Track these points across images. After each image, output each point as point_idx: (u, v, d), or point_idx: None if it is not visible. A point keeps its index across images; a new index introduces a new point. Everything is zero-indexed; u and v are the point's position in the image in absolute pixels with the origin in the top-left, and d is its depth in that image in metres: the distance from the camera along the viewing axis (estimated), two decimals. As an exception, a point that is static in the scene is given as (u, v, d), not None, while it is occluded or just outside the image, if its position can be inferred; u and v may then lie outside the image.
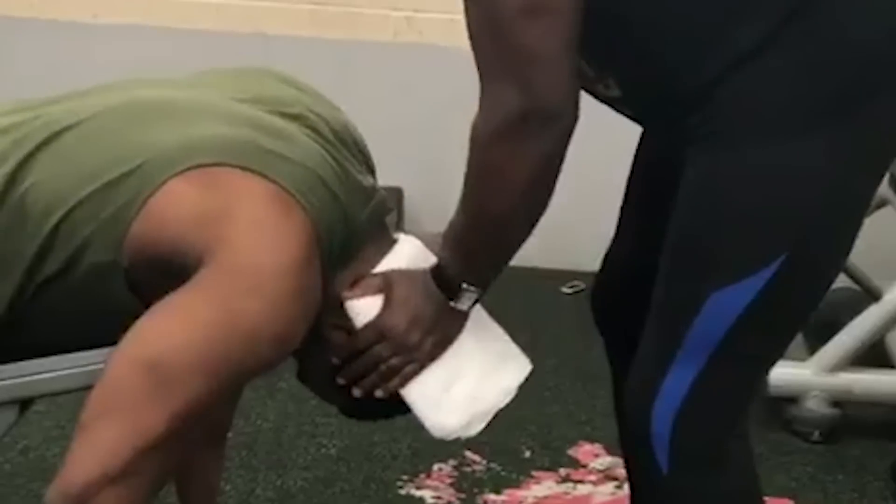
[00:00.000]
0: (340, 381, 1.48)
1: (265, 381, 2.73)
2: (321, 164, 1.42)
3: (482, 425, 1.51)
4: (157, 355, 1.27)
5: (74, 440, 1.29)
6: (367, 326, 1.46)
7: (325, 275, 1.40)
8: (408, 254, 1.51)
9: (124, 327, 1.31)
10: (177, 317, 1.30)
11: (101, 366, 1.42)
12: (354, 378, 1.48)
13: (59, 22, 3.56)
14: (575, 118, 1.32)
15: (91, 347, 1.45)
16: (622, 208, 1.71)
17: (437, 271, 1.45)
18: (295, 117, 1.49)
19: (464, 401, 1.49)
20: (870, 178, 1.39)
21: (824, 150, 1.31)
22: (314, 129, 1.49)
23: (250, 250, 1.31)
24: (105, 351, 1.40)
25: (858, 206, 1.39)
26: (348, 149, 1.52)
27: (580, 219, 3.22)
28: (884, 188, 2.77)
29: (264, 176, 1.35)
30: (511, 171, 1.33)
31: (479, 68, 1.32)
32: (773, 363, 1.47)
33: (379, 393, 1.47)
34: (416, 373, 1.47)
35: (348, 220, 1.43)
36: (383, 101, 3.44)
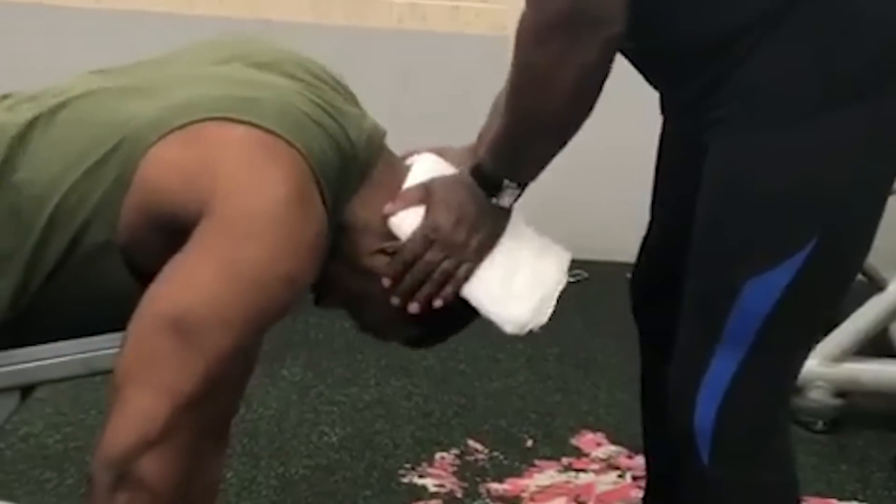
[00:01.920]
0: (395, 300, 1.46)
1: (267, 370, 2.73)
2: (300, 100, 1.41)
3: (549, 312, 1.50)
4: (175, 314, 1.27)
5: (109, 409, 1.29)
6: (414, 235, 1.44)
7: (328, 204, 1.38)
8: (431, 164, 1.51)
9: (129, 312, 1.30)
10: (185, 276, 1.30)
11: (103, 352, 1.41)
12: (410, 292, 1.45)
13: (63, 8, 3.55)
14: (622, 28, 1.30)
15: (93, 335, 1.44)
16: (653, 198, 1.70)
17: (476, 170, 1.44)
18: (268, 65, 1.49)
19: (526, 289, 1.48)
20: (889, 159, 1.38)
21: (846, 132, 1.30)
22: (290, 74, 1.48)
23: (239, 198, 1.30)
24: (107, 338, 1.39)
25: (883, 185, 1.38)
26: (328, 85, 1.51)
27: (584, 208, 3.21)
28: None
29: (241, 121, 1.35)
30: (553, 76, 1.32)
31: None
32: (807, 351, 1.46)
33: (437, 303, 1.45)
34: (469, 273, 1.45)
35: (341, 147, 1.42)
36: (386, 88, 3.42)
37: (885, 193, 1.39)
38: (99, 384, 2.05)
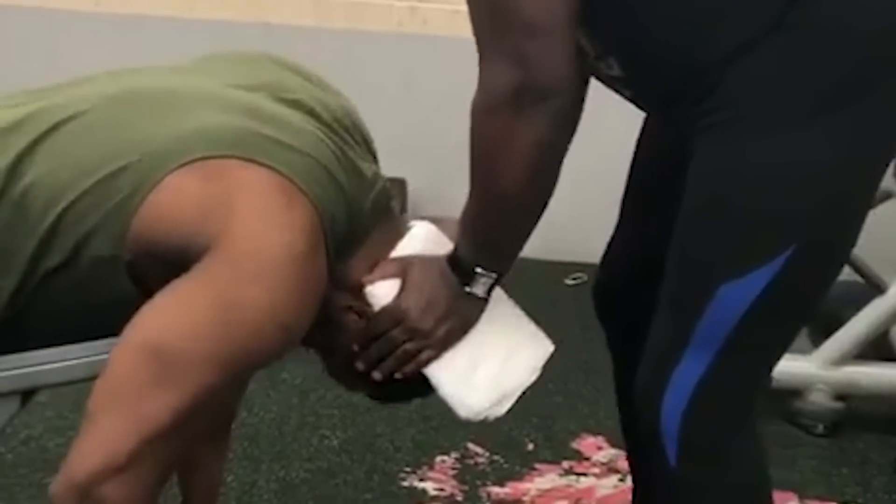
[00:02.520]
0: (360, 366, 1.48)
1: (268, 373, 2.73)
2: (322, 150, 1.42)
3: (510, 404, 1.51)
4: (161, 344, 1.26)
5: (80, 430, 1.28)
6: (383, 311, 1.46)
7: (330, 261, 1.39)
8: (423, 238, 1.51)
9: (128, 319, 1.30)
10: (178, 306, 1.29)
11: (104, 356, 1.41)
12: (372, 362, 1.48)
13: (62, 11, 3.56)
14: (575, 99, 1.29)
15: (94, 339, 1.44)
16: (624, 199, 1.70)
17: (452, 256, 1.45)
18: (295, 103, 1.49)
19: (490, 380, 1.49)
20: (873, 170, 1.38)
21: (827, 141, 1.30)
22: (314, 115, 1.48)
23: (251, 240, 1.30)
24: (108, 342, 1.39)
25: (863, 196, 1.38)
26: (350, 134, 1.51)
27: (583, 210, 3.21)
28: (888, 181, 2.75)
29: (265, 165, 1.34)
30: (507, 153, 1.31)
31: (476, 42, 1.30)
32: (779, 356, 1.46)
33: (398, 375, 1.47)
34: (431, 359, 1.47)
35: (351, 205, 1.43)
36: (387, 91, 3.43)
37: (867, 201, 1.39)
38: (99, 388, 2.05)
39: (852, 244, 1.42)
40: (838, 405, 2.67)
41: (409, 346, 1.46)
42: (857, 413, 2.71)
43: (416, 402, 2.72)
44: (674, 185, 1.40)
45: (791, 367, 2.59)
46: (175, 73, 1.54)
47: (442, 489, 2.37)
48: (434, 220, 1.54)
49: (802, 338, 2.81)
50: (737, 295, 1.35)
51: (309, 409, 2.68)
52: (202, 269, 1.29)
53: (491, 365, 1.49)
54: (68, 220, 1.35)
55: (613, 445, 2.55)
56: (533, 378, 1.53)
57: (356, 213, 1.44)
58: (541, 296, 3.51)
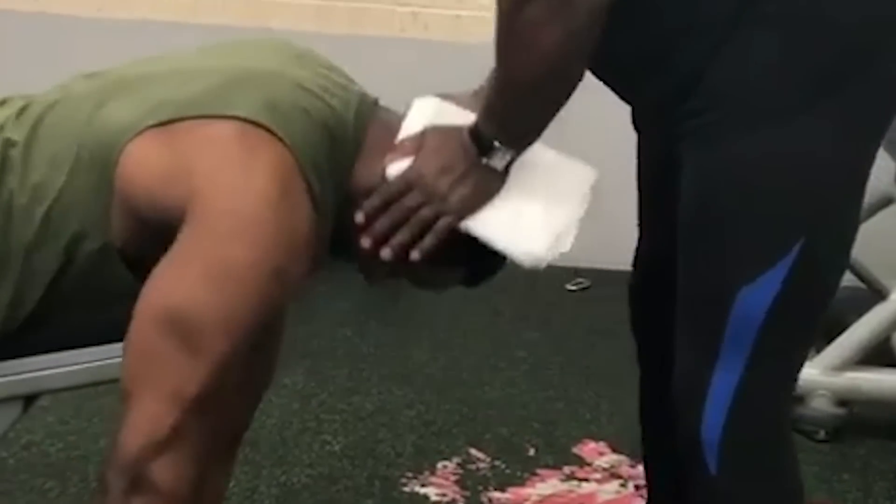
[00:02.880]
0: (366, 242, 1.40)
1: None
2: (282, 84, 1.40)
3: (570, 240, 1.45)
4: (172, 317, 1.27)
5: (122, 416, 1.29)
6: (397, 177, 1.39)
7: (323, 189, 1.37)
8: (431, 108, 1.46)
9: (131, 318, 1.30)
10: (174, 279, 1.29)
11: (105, 362, 1.42)
12: (381, 234, 1.40)
13: (64, 16, 3.56)
14: None
15: (103, 342, 1.44)
16: (639, 207, 1.70)
17: (472, 128, 1.39)
18: (254, 40, 1.51)
19: (541, 219, 1.42)
20: (863, 154, 1.38)
21: (816, 131, 1.30)
22: (273, 48, 1.49)
23: (221, 196, 1.30)
24: (110, 347, 1.39)
25: (856, 182, 1.38)
26: (318, 62, 1.50)
27: (585, 216, 3.21)
28: (889, 186, 2.76)
29: (222, 117, 1.34)
30: (536, 44, 1.27)
31: None
32: (805, 356, 1.45)
33: (415, 255, 1.39)
34: (449, 226, 1.39)
35: (329, 127, 1.40)
36: (388, 97, 3.42)
37: (861, 187, 1.39)
38: (101, 393, 2.05)
39: (853, 235, 1.42)
40: (840, 411, 2.67)
41: (424, 211, 1.39)
42: (859, 419, 2.70)
43: (418, 407, 2.74)
44: (671, 189, 1.40)
45: (793, 372, 2.58)
46: (142, 62, 1.54)
47: (443, 494, 2.37)
48: (446, 96, 1.48)
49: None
50: (756, 298, 1.34)
51: (310, 414, 2.68)
52: (184, 240, 1.29)
53: (536, 205, 1.43)
54: (54, 220, 1.36)
55: (615, 451, 2.55)
56: (584, 207, 1.47)
57: (340, 131, 1.41)
58: (542, 301, 3.52)
